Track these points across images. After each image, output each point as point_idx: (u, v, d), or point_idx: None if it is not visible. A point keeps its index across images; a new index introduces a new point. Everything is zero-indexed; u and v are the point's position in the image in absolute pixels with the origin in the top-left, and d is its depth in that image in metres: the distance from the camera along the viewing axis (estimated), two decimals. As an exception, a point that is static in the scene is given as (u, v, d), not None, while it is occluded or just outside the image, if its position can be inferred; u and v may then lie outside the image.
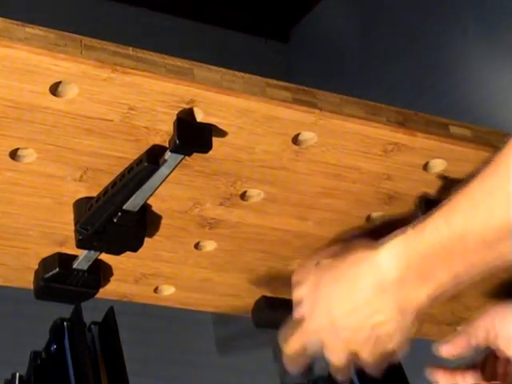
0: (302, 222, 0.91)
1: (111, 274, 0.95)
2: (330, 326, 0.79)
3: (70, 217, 0.84)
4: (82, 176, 0.81)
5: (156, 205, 0.86)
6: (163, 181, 0.79)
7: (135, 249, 0.87)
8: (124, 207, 0.82)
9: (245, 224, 0.90)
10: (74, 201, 0.84)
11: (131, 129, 0.77)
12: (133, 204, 0.82)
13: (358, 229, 0.96)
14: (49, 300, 0.92)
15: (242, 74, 0.77)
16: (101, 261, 0.91)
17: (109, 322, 1.00)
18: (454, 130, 0.85)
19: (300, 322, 0.83)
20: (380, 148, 0.83)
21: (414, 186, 0.89)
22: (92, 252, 0.88)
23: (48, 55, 0.69)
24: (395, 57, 4.27)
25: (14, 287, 0.97)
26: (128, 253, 0.88)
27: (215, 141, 0.77)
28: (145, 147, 0.78)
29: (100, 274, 0.92)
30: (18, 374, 0.99)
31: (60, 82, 0.72)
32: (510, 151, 0.71)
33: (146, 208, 0.85)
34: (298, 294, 0.85)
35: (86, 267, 0.90)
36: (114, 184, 0.81)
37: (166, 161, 0.77)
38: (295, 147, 0.81)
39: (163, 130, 0.77)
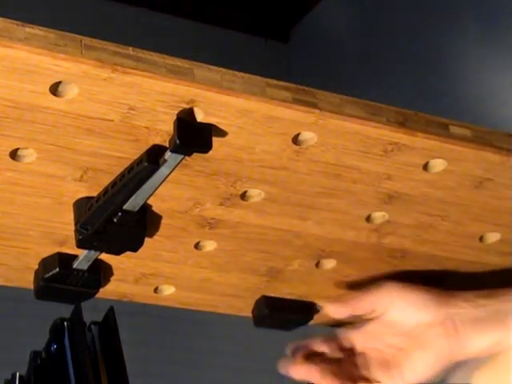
0: (302, 221, 0.92)
1: (111, 273, 0.95)
2: None
3: (70, 217, 0.84)
4: (82, 176, 0.81)
5: (156, 205, 0.86)
6: (163, 181, 0.79)
7: (135, 249, 0.87)
8: (124, 207, 0.82)
9: (245, 224, 0.90)
10: (74, 201, 0.84)
11: (131, 129, 0.77)
12: (133, 204, 0.82)
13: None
14: (49, 300, 0.92)
15: (242, 73, 0.77)
16: (101, 261, 0.91)
17: (109, 322, 1.00)
18: (454, 129, 0.85)
19: None
20: (380, 148, 0.83)
21: (414, 186, 0.89)
22: (92, 252, 0.88)
23: (48, 55, 0.69)
24: (395, 57, 4.27)
25: (14, 287, 0.97)
26: (128, 253, 0.88)
27: (215, 141, 0.77)
28: (145, 147, 0.78)
29: (100, 273, 0.92)
30: (18, 374, 0.99)
31: (60, 82, 0.72)
32: None
33: (146, 208, 0.85)
34: None
35: (86, 267, 0.90)
36: (114, 184, 0.81)
37: (166, 161, 0.77)
38: (295, 147, 0.81)
39: (163, 130, 0.77)
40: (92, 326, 1.00)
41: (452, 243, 0.98)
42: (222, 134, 0.79)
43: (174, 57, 0.75)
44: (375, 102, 0.83)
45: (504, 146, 0.87)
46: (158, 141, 0.78)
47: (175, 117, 0.75)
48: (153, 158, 0.77)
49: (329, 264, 0.99)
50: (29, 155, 0.79)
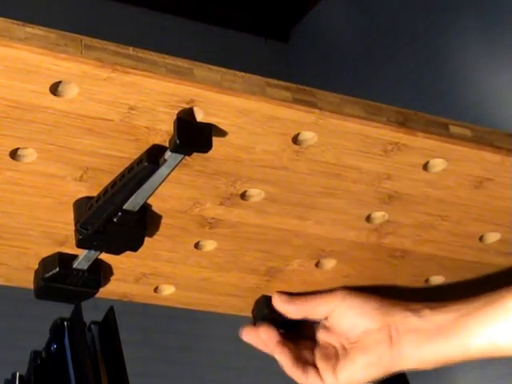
0: (302, 221, 0.91)
1: (111, 273, 0.95)
2: None
3: (70, 216, 0.84)
4: (82, 176, 0.81)
5: (156, 204, 0.86)
6: (163, 180, 0.79)
7: (135, 248, 0.87)
8: (124, 207, 0.82)
9: (245, 224, 0.90)
10: (74, 200, 0.84)
11: (131, 128, 0.77)
12: (133, 204, 0.82)
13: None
14: (49, 300, 0.92)
15: (242, 73, 0.77)
16: (101, 260, 0.91)
17: (109, 322, 1.00)
18: (453, 129, 0.85)
19: None
20: (380, 148, 0.83)
21: (414, 186, 0.89)
22: (92, 252, 0.88)
23: (48, 55, 0.69)
24: (395, 57, 4.27)
25: (14, 287, 0.97)
26: (128, 252, 0.88)
27: (215, 141, 0.77)
28: (145, 147, 0.78)
29: (100, 273, 0.92)
30: (18, 374, 0.99)
31: (60, 82, 0.72)
32: None
33: (146, 208, 0.85)
34: None
35: (86, 267, 0.89)
36: (114, 184, 0.81)
37: (166, 160, 0.77)
38: (295, 147, 0.81)
39: (163, 130, 0.77)
40: (92, 326, 1.01)
41: (452, 243, 0.98)
42: (222, 133, 0.79)
43: (174, 57, 0.75)
44: (375, 102, 0.83)
45: (504, 146, 0.87)
46: (158, 141, 0.78)
47: (175, 117, 0.75)
48: (153, 157, 0.77)
49: (329, 264, 0.99)
50: (29, 155, 0.79)
